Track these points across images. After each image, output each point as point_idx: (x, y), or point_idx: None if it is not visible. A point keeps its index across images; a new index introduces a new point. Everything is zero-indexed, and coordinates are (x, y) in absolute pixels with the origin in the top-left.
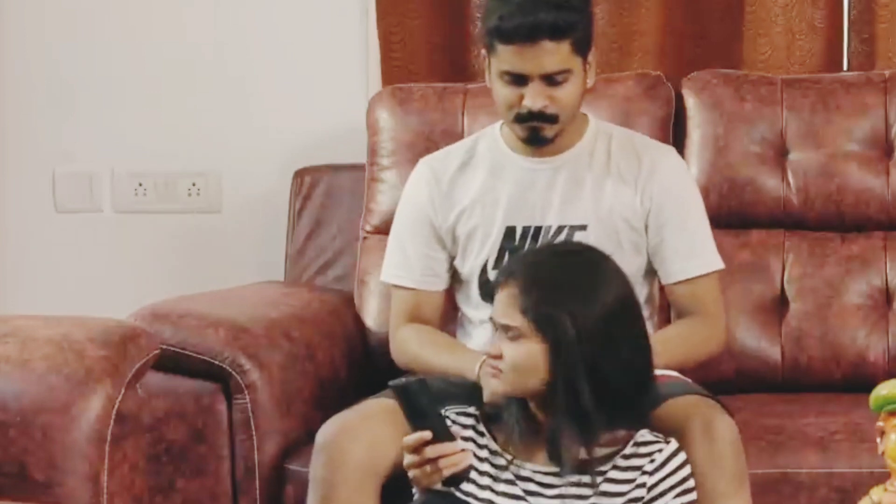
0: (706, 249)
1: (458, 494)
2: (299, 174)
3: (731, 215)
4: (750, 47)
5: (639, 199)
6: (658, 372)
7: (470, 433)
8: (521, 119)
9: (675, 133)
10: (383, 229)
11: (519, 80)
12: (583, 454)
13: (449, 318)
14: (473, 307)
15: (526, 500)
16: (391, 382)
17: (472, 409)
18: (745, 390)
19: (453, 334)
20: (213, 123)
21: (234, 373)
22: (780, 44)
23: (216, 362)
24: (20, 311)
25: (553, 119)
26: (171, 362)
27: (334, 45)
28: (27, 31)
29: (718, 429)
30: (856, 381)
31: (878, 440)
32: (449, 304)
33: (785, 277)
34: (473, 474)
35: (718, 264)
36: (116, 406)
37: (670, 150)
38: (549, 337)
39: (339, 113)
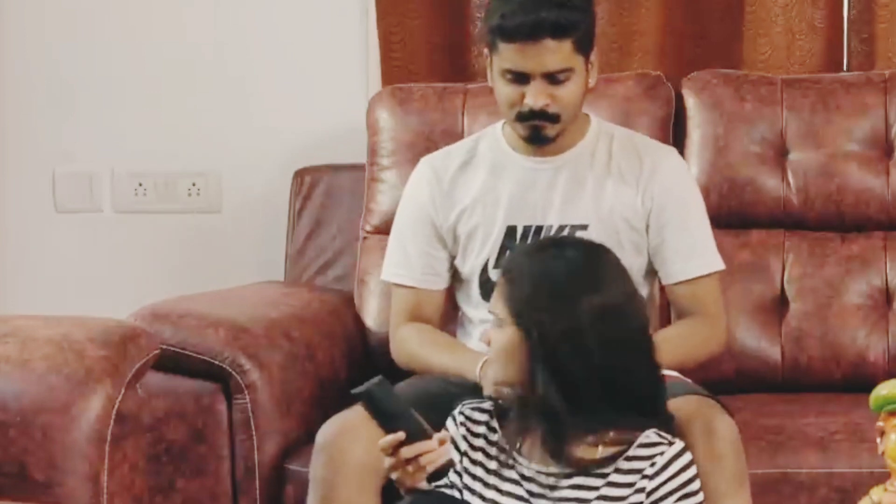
0: (707, 250)
1: (450, 491)
2: (299, 174)
3: (731, 215)
4: (750, 47)
5: (640, 199)
6: None
7: (482, 429)
8: (522, 118)
9: (675, 133)
10: (383, 229)
11: (521, 78)
12: (582, 453)
13: (449, 317)
14: (474, 306)
15: (529, 501)
16: (353, 391)
17: (487, 405)
18: (745, 390)
19: (453, 334)
20: (213, 123)
21: (234, 373)
22: (780, 44)
23: (216, 362)
24: (20, 311)
25: (554, 118)
26: (171, 362)
27: (334, 45)
28: (27, 31)
29: (719, 429)
30: (856, 381)
31: (878, 440)
32: (449, 303)
33: (785, 277)
34: (480, 472)
35: (719, 265)
36: (116, 406)
37: (671, 151)
38: (522, 328)
39: (339, 113)
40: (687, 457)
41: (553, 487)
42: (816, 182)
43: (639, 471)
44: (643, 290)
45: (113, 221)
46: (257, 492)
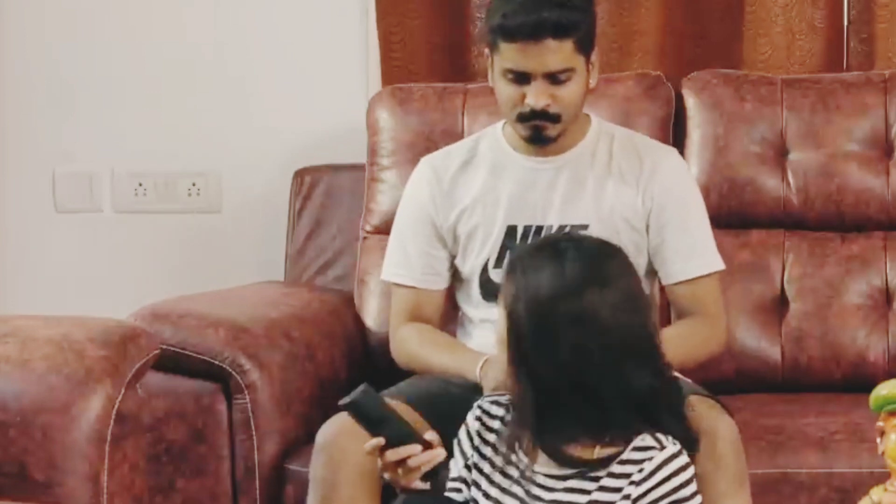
0: (707, 250)
1: (458, 485)
2: (299, 174)
3: (731, 215)
4: (750, 47)
5: (640, 199)
6: None
7: (497, 424)
8: (523, 118)
9: (675, 133)
10: (383, 229)
11: (522, 78)
12: (580, 453)
13: (449, 317)
14: (474, 306)
15: (525, 502)
16: (340, 402)
17: (505, 399)
18: (745, 390)
19: (453, 334)
20: (213, 123)
21: (234, 373)
22: (780, 44)
23: (216, 362)
24: (20, 311)
25: (555, 118)
26: (171, 362)
27: (334, 45)
28: (27, 31)
29: (719, 429)
30: (856, 381)
31: (878, 440)
32: (449, 303)
33: (785, 277)
34: (487, 467)
35: (719, 265)
36: (116, 406)
37: (672, 151)
38: (510, 324)
39: (339, 113)
40: (678, 461)
41: (549, 489)
42: (816, 182)
43: (628, 475)
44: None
45: (113, 221)
46: (257, 492)
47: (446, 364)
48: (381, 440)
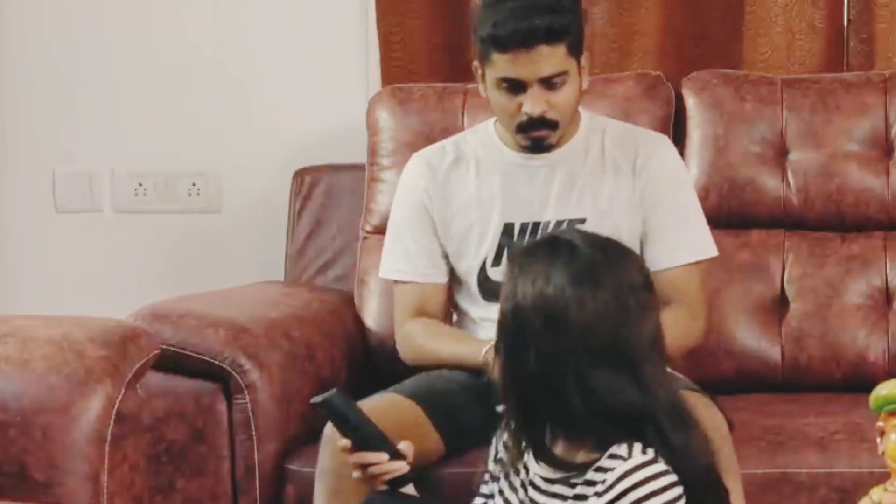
0: (691, 239)
1: (488, 489)
2: (299, 174)
3: (731, 215)
4: (750, 47)
5: (633, 185)
6: None
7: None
8: (522, 128)
9: (675, 133)
10: (383, 229)
11: (517, 87)
12: (564, 455)
13: (449, 317)
14: (475, 305)
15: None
16: (312, 400)
17: None
18: (745, 390)
19: None
20: (213, 123)
21: (234, 373)
22: (780, 44)
23: (216, 362)
24: (20, 311)
25: (554, 125)
26: (171, 362)
27: (334, 45)
28: (27, 31)
29: (709, 423)
30: (856, 381)
31: (878, 440)
32: (449, 303)
33: (785, 277)
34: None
35: (710, 251)
36: (116, 406)
37: (664, 140)
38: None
39: (339, 113)
40: (642, 473)
41: (542, 492)
42: (816, 182)
43: (595, 483)
44: None
45: (113, 221)
46: (257, 492)
47: (455, 351)
48: (347, 442)
